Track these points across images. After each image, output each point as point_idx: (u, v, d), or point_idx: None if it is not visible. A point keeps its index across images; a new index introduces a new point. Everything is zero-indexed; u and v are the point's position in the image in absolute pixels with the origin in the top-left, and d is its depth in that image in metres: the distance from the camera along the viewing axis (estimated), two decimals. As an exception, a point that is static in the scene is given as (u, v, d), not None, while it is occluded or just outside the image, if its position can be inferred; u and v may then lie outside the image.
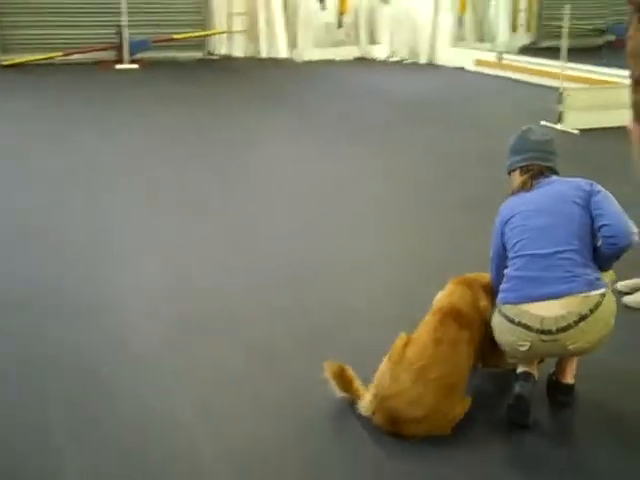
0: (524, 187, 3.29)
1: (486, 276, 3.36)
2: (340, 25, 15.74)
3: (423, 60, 15.27)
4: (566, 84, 10.61)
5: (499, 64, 13.50)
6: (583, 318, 2.95)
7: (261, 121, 9.51)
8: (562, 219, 3.11)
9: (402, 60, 15.48)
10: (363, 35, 16.01)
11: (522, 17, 16.45)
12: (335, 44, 15.81)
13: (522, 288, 3.05)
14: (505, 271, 3.17)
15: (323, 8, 15.58)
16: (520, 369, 3.14)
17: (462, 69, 14.20)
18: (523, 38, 16.37)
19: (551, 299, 2.98)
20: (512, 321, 3.03)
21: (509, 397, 3.10)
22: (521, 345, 3.02)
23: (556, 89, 11.07)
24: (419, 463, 2.88)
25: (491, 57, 13.85)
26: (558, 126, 8.79)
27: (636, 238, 3.08)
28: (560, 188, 3.24)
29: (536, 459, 2.92)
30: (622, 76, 10.58)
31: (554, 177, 3.31)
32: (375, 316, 4.15)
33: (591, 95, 9.27)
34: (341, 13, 15.65)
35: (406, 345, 3.09)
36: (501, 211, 3.33)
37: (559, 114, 8.83)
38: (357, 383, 3.18)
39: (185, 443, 3.00)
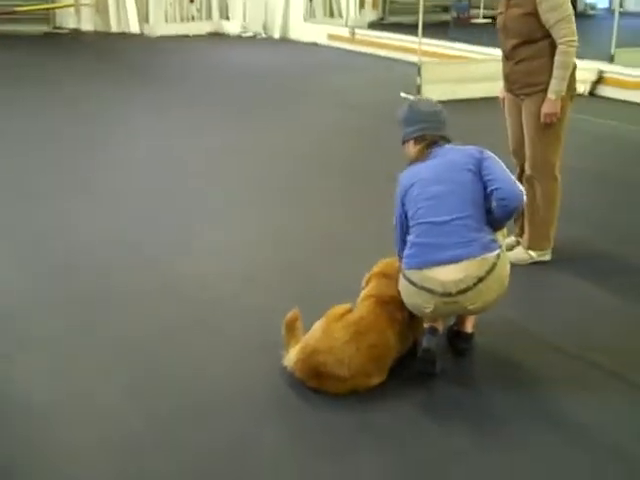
0: (420, 157, 3.45)
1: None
2: (192, 0, 15.60)
3: (277, 35, 15.42)
4: (410, 57, 11.13)
5: (352, 39, 13.85)
6: (480, 280, 3.13)
7: (118, 96, 9.39)
8: (456, 187, 3.27)
9: (256, 35, 15.56)
10: (215, 10, 15.95)
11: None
12: (188, 19, 15.68)
13: (423, 254, 3.24)
14: (408, 238, 3.36)
15: (174, -18, 15.43)
16: (426, 324, 3.38)
17: (315, 44, 14.46)
18: (371, 14, 16.84)
19: (450, 263, 3.14)
20: (416, 285, 3.23)
21: (418, 350, 3.33)
22: (426, 307, 3.24)
23: (408, 63, 11.60)
24: (345, 412, 3.06)
25: (344, 32, 14.17)
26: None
27: (524, 198, 3.36)
28: (453, 157, 3.37)
29: (445, 402, 3.17)
30: (470, 51, 11.38)
31: (447, 146, 3.48)
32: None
33: (446, 69, 9.73)
34: (193, -13, 15.54)
35: (345, 313, 3.27)
36: (400, 181, 3.48)
37: (417, 86, 9.22)
38: (298, 335, 3.29)
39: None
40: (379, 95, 9.86)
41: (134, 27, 15.30)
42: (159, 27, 15.21)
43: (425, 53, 10.65)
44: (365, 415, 3.06)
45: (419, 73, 9.23)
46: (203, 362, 3.44)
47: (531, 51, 4.19)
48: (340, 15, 16.05)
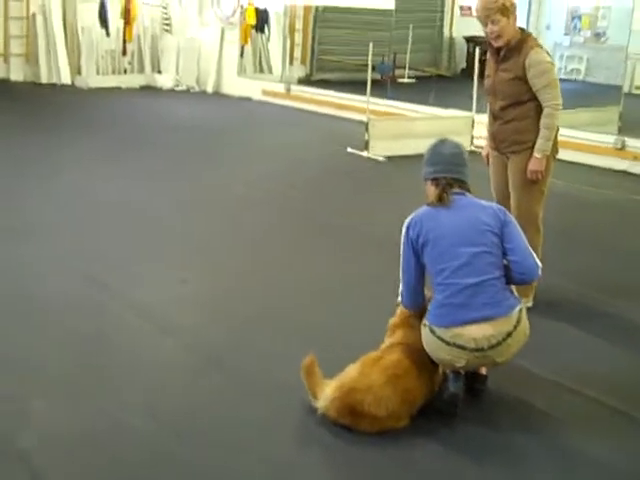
0: (440, 201, 3.60)
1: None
2: (125, 53, 15.68)
3: (210, 89, 15.62)
4: (347, 114, 11.54)
5: (287, 94, 14.17)
6: (509, 335, 3.39)
7: (47, 147, 9.29)
8: (484, 249, 3.46)
9: (189, 89, 15.72)
10: (148, 63, 16.06)
11: (297, 51, 17.32)
12: (120, 72, 15.72)
13: (454, 313, 3.40)
14: (436, 296, 3.51)
15: (107, 35, 15.45)
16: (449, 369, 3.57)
17: (249, 99, 14.72)
18: (299, 70, 17.23)
19: (481, 322, 3.37)
20: (448, 343, 3.40)
21: (444, 393, 3.53)
22: (457, 362, 3.44)
23: (348, 119, 11.97)
24: (379, 448, 3.23)
25: (279, 88, 14.48)
26: (364, 153, 9.51)
27: (540, 272, 3.62)
28: (477, 214, 3.54)
29: (469, 439, 3.38)
30: (406, 109, 11.84)
31: (469, 197, 3.66)
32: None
33: (393, 125, 10.11)
34: (125, 41, 15.59)
35: (379, 359, 3.45)
36: (413, 223, 3.56)
37: (365, 142, 9.55)
38: (320, 377, 3.45)
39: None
40: (325, 150, 10.14)
41: (65, 78, 15.22)
42: (91, 79, 15.19)
43: (361, 110, 11.03)
44: (399, 452, 3.23)
45: (367, 129, 9.56)
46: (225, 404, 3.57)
47: (519, 112, 4.53)
48: (270, 71, 16.39)
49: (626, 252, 6.12)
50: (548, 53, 4.57)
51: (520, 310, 3.47)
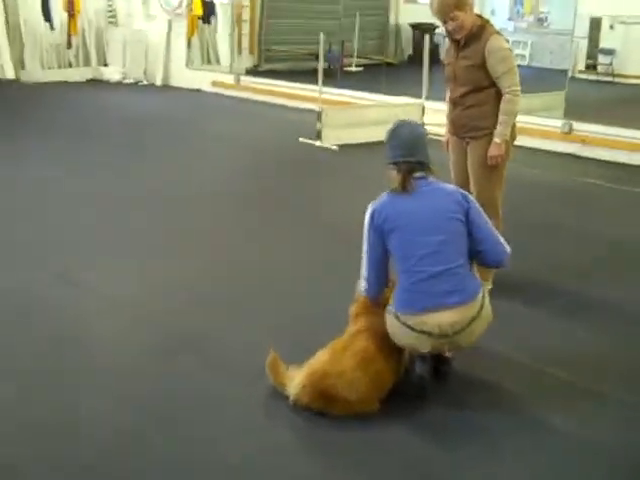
0: (403, 189, 3.62)
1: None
2: (69, 46, 15.46)
3: (158, 82, 15.50)
4: (298, 104, 11.57)
5: (237, 85, 14.13)
6: (473, 319, 3.47)
7: None
8: (450, 237, 3.52)
9: (137, 82, 15.58)
10: (94, 57, 15.86)
11: (245, 41, 17.25)
12: (65, 65, 15.50)
13: (419, 300, 3.46)
14: (401, 282, 3.55)
15: (51, 28, 15.21)
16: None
17: (199, 90, 14.64)
18: (248, 61, 17.18)
19: (445, 309, 3.44)
20: (413, 329, 3.46)
21: (412, 376, 3.62)
22: (422, 347, 3.52)
23: (299, 109, 12.02)
24: (351, 432, 3.31)
25: (228, 79, 14.43)
26: (317, 142, 9.56)
27: (508, 258, 3.72)
28: (442, 202, 3.58)
29: (439, 420, 3.47)
30: (357, 97, 11.92)
31: (431, 179, 3.67)
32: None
33: (345, 114, 10.16)
34: (70, 34, 15.37)
35: (348, 344, 3.53)
36: (377, 210, 3.58)
37: (318, 131, 9.59)
38: (284, 369, 3.55)
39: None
40: (278, 140, 10.16)
41: (9, 73, 14.96)
42: (36, 73, 14.95)
43: (311, 99, 11.09)
44: (370, 434, 3.32)
45: (319, 118, 9.60)
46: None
47: (478, 98, 4.61)
48: (217, 62, 16.31)
49: (576, 233, 6.29)
50: (507, 40, 4.65)
51: (483, 295, 3.56)
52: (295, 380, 3.44)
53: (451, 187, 3.77)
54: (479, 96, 4.60)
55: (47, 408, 3.46)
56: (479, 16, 4.67)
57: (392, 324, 3.56)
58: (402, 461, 3.16)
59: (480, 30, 4.57)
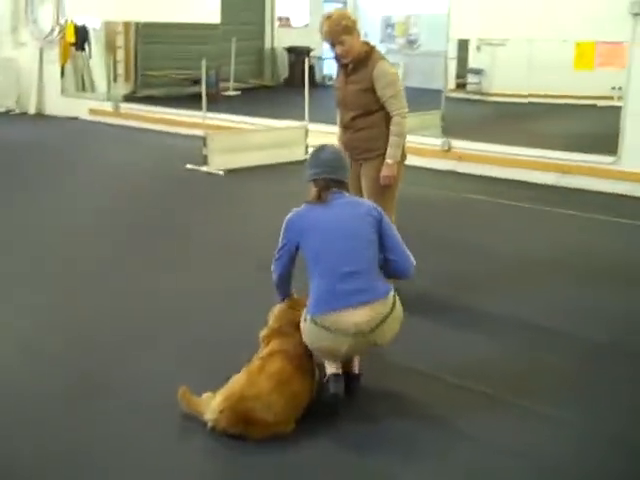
0: (318, 200, 3.84)
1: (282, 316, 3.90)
2: None
3: (32, 110, 15.11)
4: (180, 129, 11.56)
5: (116, 113, 13.95)
6: (387, 317, 3.62)
7: None
8: (361, 243, 3.72)
9: (8, 111, 15.12)
10: (-40, 86, 15.32)
11: (120, 67, 17.04)
12: None
13: (333, 300, 3.59)
14: (314, 285, 3.70)
15: None
16: (330, 371, 3.74)
17: (76, 119, 14.36)
18: (124, 87, 16.98)
19: (358, 308, 3.57)
20: (329, 330, 3.60)
21: (326, 395, 3.70)
22: (340, 348, 3.62)
23: (180, 135, 12.00)
24: (266, 454, 3.35)
25: (105, 106, 14.23)
26: (204, 168, 9.56)
27: (414, 269, 3.92)
28: (354, 211, 3.81)
29: (354, 435, 3.56)
30: (238, 122, 12.00)
31: (346, 196, 3.89)
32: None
33: (231, 139, 10.20)
34: None
35: (262, 367, 3.57)
36: (293, 218, 3.81)
37: (204, 156, 9.59)
38: (197, 399, 3.56)
39: None
40: (163, 167, 10.09)
41: None
42: None
43: (192, 125, 11.10)
44: (286, 456, 3.38)
45: (205, 144, 9.61)
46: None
47: (369, 122, 4.78)
48: (93, 89, 16.05)
49: (464, 247, 6.55)
50: (392, 65, 4.85)
51: (394, 295, 3.72)
52: (212, 405, 3.46)
53: (362, 200, 3.97)
54: (369, 119, 4.77)
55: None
56: (366, 43, 4.85)
57: (309, 330, 3.66)
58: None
59: (367, 56, 4.75)
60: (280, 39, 19.98)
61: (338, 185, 3.88)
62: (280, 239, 3.87)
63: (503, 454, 3.42)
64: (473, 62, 16.58)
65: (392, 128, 4.72)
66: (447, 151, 9.91)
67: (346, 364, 3.89)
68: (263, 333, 3.91)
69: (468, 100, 15.74)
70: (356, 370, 3.92)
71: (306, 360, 3.70)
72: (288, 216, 3.87)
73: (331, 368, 3.73)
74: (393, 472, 3.29)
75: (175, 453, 3.38)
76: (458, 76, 16.20)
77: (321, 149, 4.00)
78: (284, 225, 3.85)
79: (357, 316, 3.58)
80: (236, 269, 5.85)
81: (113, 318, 4.91)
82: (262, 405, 3.40)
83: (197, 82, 19.25)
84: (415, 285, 5.15)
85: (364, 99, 4.74)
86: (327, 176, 3.86)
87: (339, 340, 3.59)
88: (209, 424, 3.45)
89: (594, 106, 13.40)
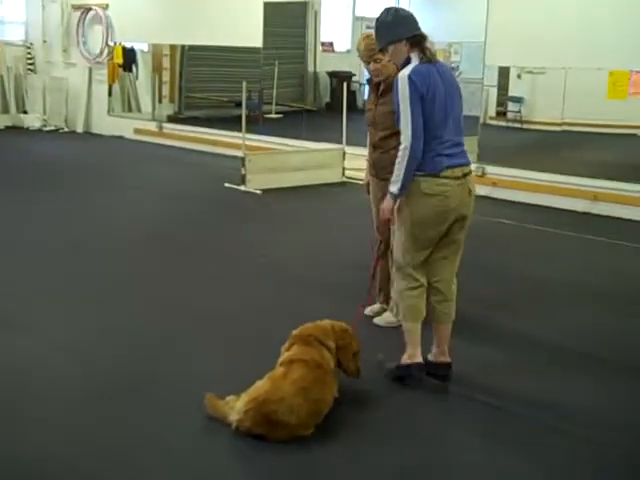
0: (430, 59, 4.05)
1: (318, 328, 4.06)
2: (-14, 93, 15.41)
3: (80, 129, 15.54)
4: (221, 150, 11.78)
5: (160, 132, 14.30)
6: (470, 171, 4.28)
7: None
8: (460, 115, 4.20)
9: (58, 129, 15.57)
10: (12, 104, 15.81)
11: (166, 89, 17.44)
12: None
13: (448, 160, 4.12)
14: (432, 148, 4.09)
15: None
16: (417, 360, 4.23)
17: (121, 137, 14.74)
18: (168, 108, 17.37)
19: (462, 166, 4.20)
20: (448, 177, 4.10)
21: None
22: (447, 194, 4.10)
23: (223, 155, 12.25)
24: (288, 454, 3.51)
25: (149, 126, 14.59)
26: (242, 187, 9.79)
27: None
28: (455, 83, 4.16)
29: (368, 433, 3.71)
30: (278, 143, 12.24)
31: (440, 60, 4.15)
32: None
33: (268, 160, 10.43)
34: (-14, 82, 15.34)
35: (286, 373, 3.73)
36: (420, 76, 3.99)
37: (242, 176, 9.83)
38: (223, 403, 3.74)
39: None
40: (203, 186, 10.35)
41: None
42: (-47, 120, 14.85)
43: (233, 145, 11.34)
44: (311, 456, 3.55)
45: (243, 164, 9.86)
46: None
47: (397, 142, 4.90)
48: (138, 109, 16.45)
49: (488, 269, 6.66)
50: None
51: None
52: (237, 406, 3.64)
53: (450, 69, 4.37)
54: (398, 140, 4.89)
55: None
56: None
57: (424, 187, 4.15)
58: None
59: (399, 78, 4.91)
60: (323, 64, 20.26)
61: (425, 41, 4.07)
62: (406, 103, 4.01)
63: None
64: (513, 90, 16.65)
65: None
66: (481, 176, 10.02)
67: (439, 352, 4.31)
68: (285, 346, 4.04)
69: (508, 128, 15.81)
70: (449, 359, 4.31)
71: (326, 373, 3.84)
72: (407, 74, 3.98)
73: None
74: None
75: (201, 451, 3.55)
76: (499, 104, 16.30)
77: (394, 9, 4.16)
78: (407, 85, 3.97)
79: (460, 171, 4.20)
80: (269, 285, 6.04)
81: (150, 324, 5.13)
82: (285, 408, 3.56)
83: (239, 104, 19.86)
84: (466, 311, 5.34)
85: (392, 120, 4.86)
86: (420, 32, 4.08)
87: (449, 186, 4.12)
88: (234, 424, 3.62)
89: (634, 135, 13.40)
